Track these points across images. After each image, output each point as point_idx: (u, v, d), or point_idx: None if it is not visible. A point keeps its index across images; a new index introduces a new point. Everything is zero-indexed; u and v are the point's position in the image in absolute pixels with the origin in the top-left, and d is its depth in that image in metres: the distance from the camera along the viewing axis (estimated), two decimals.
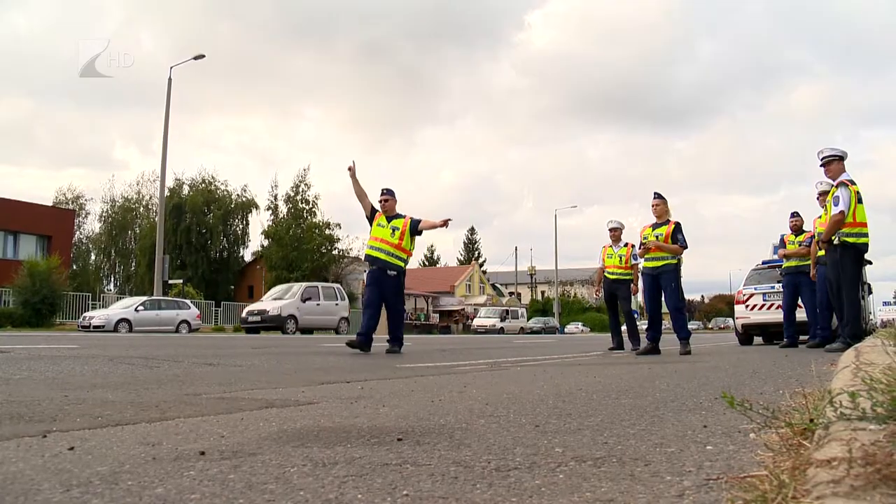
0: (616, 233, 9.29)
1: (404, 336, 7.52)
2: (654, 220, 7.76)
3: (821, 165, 6.85)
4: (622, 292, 9.05)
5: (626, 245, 9.16)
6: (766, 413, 1.45)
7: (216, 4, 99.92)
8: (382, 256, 7.19)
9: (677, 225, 7.58)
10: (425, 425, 1.89)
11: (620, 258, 9.08)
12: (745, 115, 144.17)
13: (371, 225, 7.41)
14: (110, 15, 76.01)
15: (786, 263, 9.54)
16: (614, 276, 9.08)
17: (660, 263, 7.56)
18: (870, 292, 16.11)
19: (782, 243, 9.79)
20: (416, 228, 7.33)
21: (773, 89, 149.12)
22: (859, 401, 1.29)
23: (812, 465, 0.96)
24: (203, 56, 24.88)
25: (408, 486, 1.17)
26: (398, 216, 7.38)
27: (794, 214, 9.57)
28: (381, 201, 7.41)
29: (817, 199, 8.16)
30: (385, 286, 7.16)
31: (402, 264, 7.30)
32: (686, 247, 7.58)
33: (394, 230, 7.23)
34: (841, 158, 6.81)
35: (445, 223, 7.32)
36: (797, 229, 9.42)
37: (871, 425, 1.14)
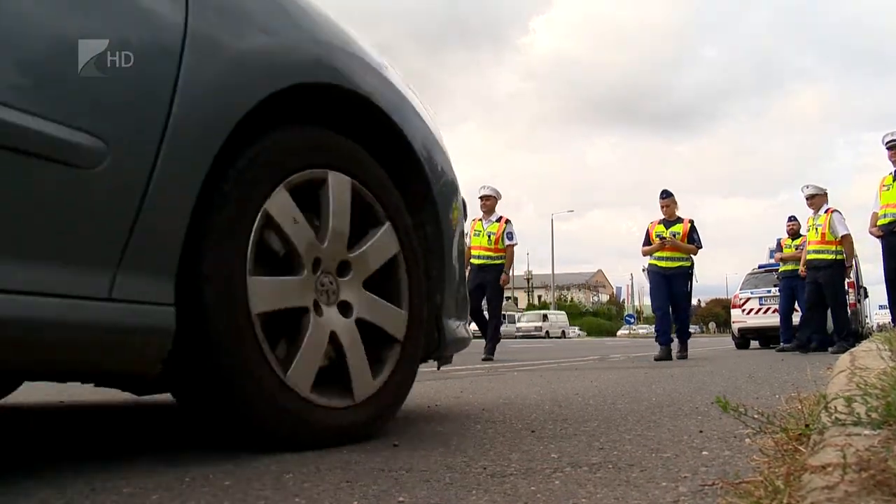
0: (489, 202, 7.46)
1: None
2: (660, 216, 7.47)
3: (887, 148, 6.83)
4: (492, 284, 7.31)
5: (499, 220, 7.40)
6: (761, 418, 1.45)
7: None
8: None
9: (692, 224, 7.32)
10: (421, 431, 1.88)
11: (490, 236, 7.30)
12: (748, 120, 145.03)
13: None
14: None
15: (782, 267, 9.58)
16: (481, 261, 7.27)
17: (675, 264, 7.26)
18: (866, 296, 16.18)
19: (779, 247, 9.85)
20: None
21: (776, 94, 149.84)
22: (854, 406, 1.30)
23: (807, 471, 0.96)
24: None
25: (403, 493, 1.17)
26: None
27: (791, 218, 9.63)
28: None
29: (806, 202, 8.40)
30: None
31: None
32: (701, 247, 7.36)
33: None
34: None
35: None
36: (794, 233, 9.47)
37: (866, 431, 1.14)
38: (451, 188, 2.13)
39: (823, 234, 8.03)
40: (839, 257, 7.98)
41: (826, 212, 8.13)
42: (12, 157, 1.11)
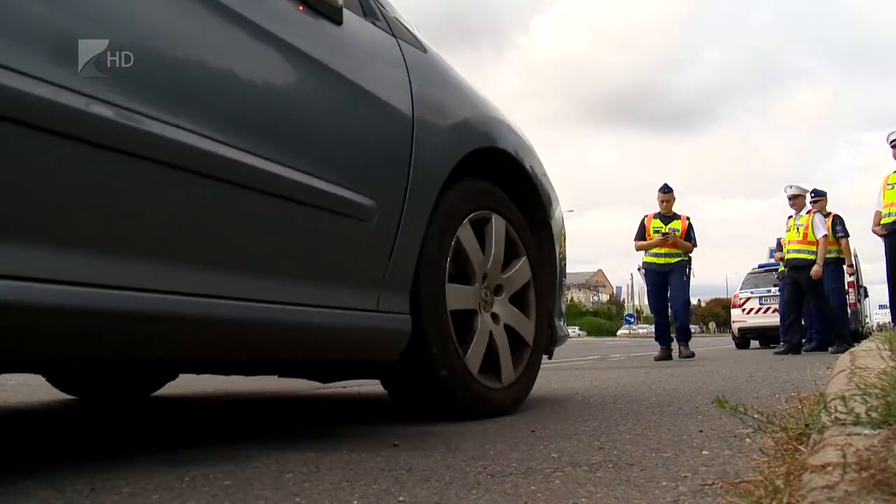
0: None
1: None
2: (656, 210, 7.45)
3: (892, 146, 6.88)
4: None
5: None
6: (761, 418, 1.45)
7: None
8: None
9: (690, 222, 7.35)
10: (421, 430, 1.89)
11: None
12: (748, 120, 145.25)
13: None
14: None
15: (782, 267, 9.57)
16: None
17: (673, 260, 7.24)
18: (866, 295, 16.19)
19: (779, 247, 9.84)
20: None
21: (776, 94, 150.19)
22: (854, 406, 1.30)
23: (807, 471, 0.96)
24: None
25: (403, 492, 1.17)
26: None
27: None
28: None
29: (789, 202, 8.41)
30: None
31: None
32: (696, 245, 7.38)
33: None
34: None
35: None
36: None
37: (866, 430, 1.14)
38: (558, 213, 2.74)
39: (805, 235, 8.01)
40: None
41: (808, 212, 8.16)
42: (320, 213, 1.60)
